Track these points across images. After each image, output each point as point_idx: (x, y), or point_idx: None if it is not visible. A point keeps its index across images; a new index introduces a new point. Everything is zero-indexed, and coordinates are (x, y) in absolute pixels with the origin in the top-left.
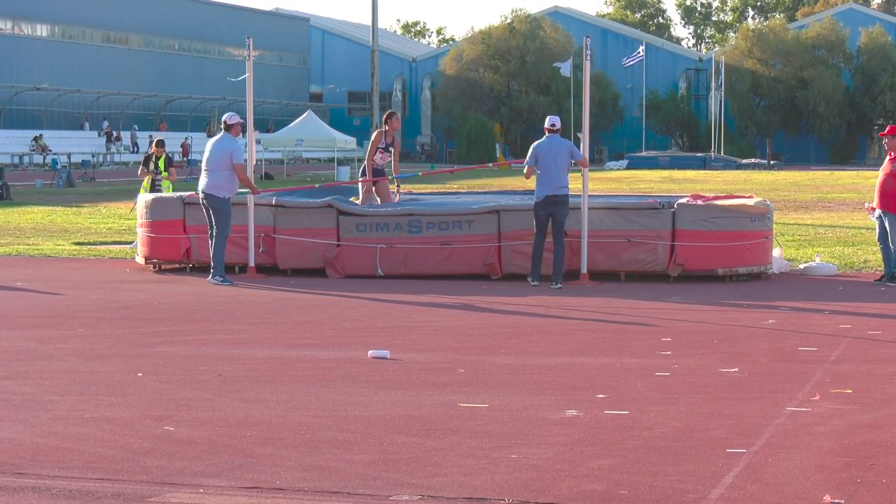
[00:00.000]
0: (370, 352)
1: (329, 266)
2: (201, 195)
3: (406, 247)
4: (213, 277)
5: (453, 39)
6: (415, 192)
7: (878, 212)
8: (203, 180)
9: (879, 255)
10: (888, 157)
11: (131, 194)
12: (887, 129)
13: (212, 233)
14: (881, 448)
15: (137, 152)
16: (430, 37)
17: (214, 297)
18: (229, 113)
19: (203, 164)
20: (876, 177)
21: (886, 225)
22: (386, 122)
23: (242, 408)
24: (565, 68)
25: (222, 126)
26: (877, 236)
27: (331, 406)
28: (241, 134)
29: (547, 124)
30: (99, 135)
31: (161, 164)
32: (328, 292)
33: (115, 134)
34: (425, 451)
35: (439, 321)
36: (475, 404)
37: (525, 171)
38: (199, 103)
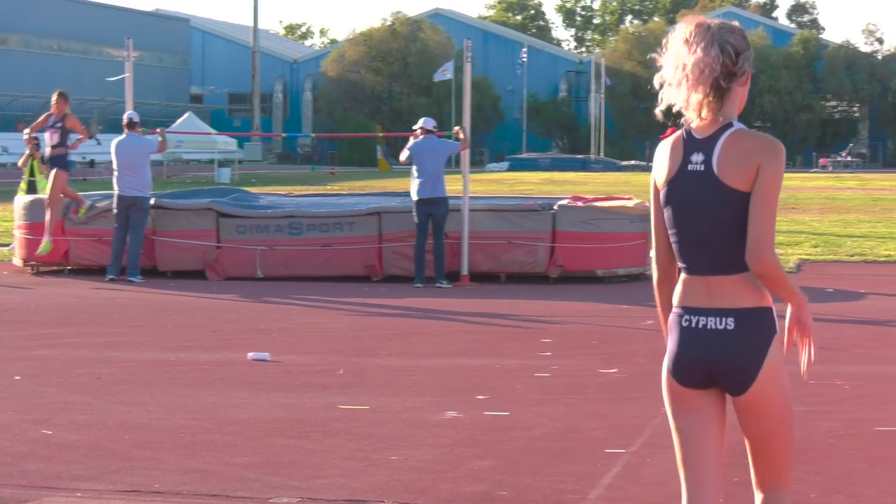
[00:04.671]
0: (250, 354)
1: (209, 268)
2: (123, 197)
3: (286, 249)
4: (132, 276)
5: (336, 41)
6: (295, 193)
7: None
8: (124, 182)
9: None
10: None
11: (9, 196)
12: (668, 131)
13: (121, 233)
14: None
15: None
16: (313, 39)
17: (93, 300)
18: (130, 112)
19: (118, 167)
20: None
21: None
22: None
23: (121, 411)
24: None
25: (125, 125)
26: None
27: (210, 409)
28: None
29: (420, 126)
30: None
31: (35, 165)
32: (208, 294)
33: None
34: (305, 453)
35: (320, 323)
36: (355, 406)
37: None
38: (78, 104)
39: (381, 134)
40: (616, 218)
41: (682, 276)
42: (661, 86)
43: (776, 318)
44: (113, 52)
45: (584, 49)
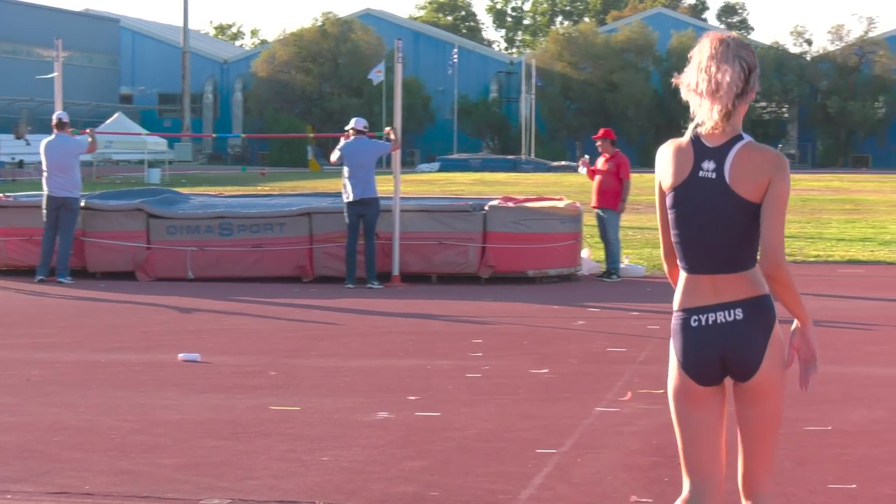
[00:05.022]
0: (180, 355)
1: (139, 269)
2: (53, 198)
3: (217, 249)
4: (62, 277)
5: (266, 42)
6: (225, 194)
7: (597, 211)
8: (53, 183)
9: None
10: (604, 158)
11: None
12: (600, 132)
13: (50, 234)
14: None
15: None
16: (244, 39)
17: (23, 301)
18: (59, 112)
19: (47, 167)
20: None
21: (606, 222)
22: None
23: (51, 412)
24: (375, 76)
25: (55, 125)
26: (599, 235)
27: (141, 410)
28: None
29: (352, 126)
30: None
31: None
32: (138, 296)
33: None
34: (236, 454)
35: (251, 324)
36: (286, 407)
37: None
38: (7, 104)
39: (311, 134)
40: (547, 218)
41: (684, 275)
42: (687, 93)
43: (774, 302)
44: (42, 52)
45: (514, 50)
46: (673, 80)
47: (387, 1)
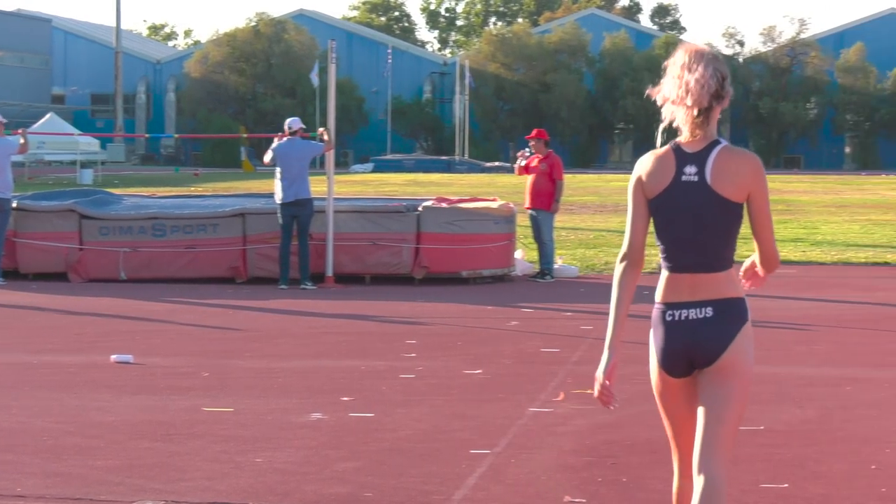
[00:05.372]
0: (113, 356)
1: (71, 270)
2: None
3: (150, 250)
4: None
5: (199, 42)
6: (158, 195)
7: (531, 209)
8: None
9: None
10: (537, 159)
11: None
12: (534, 132)
13: None
14: (621, 447)
15: None
16: (177, 39)
17: None
18: None
19: None
20: (615, 180)
21: (539, 222)
22: None
23: None
24: (314, 78)
25: None
26: (532, 235)
27: (73, 412)
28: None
29: (287, 126)
30: None
31: None
32: (71, 297)
33: None
34: (169, 455)
35: (184, 325)
36: (220, 409)
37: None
38: None
39: (244, 135)
40: (480, 219)
41: (666, 274)
42: (664, 104)
43: (748, 308)
44: None
45: (448, 51)
46: (647, 91)
47: (320, 1)
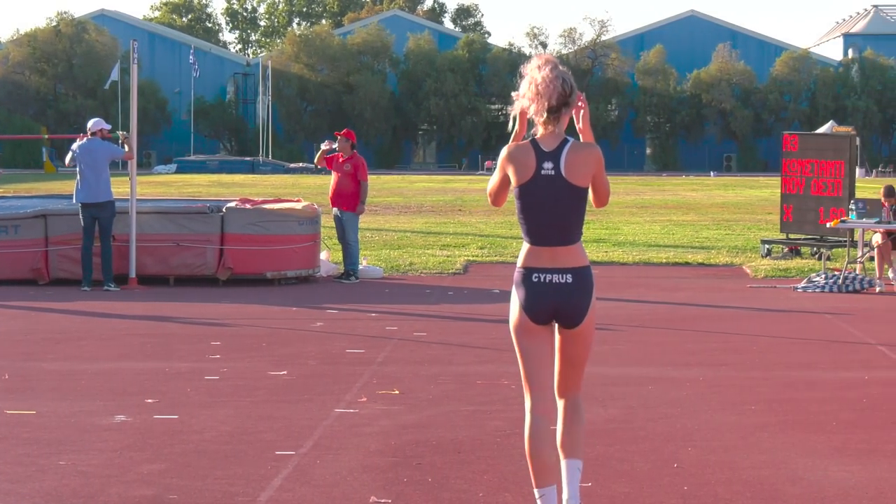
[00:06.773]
0: None
1: None
2: None
3: None
4: None
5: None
6: None
7: (335, 210)
8: None
9: (425, 258)
10: (342, 158)
11: None
12: (343, 131)
13: None
14: (427, 448)
15: None
16: None
17: None
18: None
19: None
20: (419, 181)
21: (344, 223)
22: None
23: None
24: (114, 74)
25: None
26: (337, 236)
27: None
28: None
29: (89, 127)
30: None
31: None
32: None
33: None
34: None
35: None
36: (22, 411)
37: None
38: None
39: (46, 136)
40: (285, 220)
41: (528, 246)
42: (518, 100)
43: (593, 274)
44: None
45: (250, 51)
46: (512, 94)
47: (121, 2)
